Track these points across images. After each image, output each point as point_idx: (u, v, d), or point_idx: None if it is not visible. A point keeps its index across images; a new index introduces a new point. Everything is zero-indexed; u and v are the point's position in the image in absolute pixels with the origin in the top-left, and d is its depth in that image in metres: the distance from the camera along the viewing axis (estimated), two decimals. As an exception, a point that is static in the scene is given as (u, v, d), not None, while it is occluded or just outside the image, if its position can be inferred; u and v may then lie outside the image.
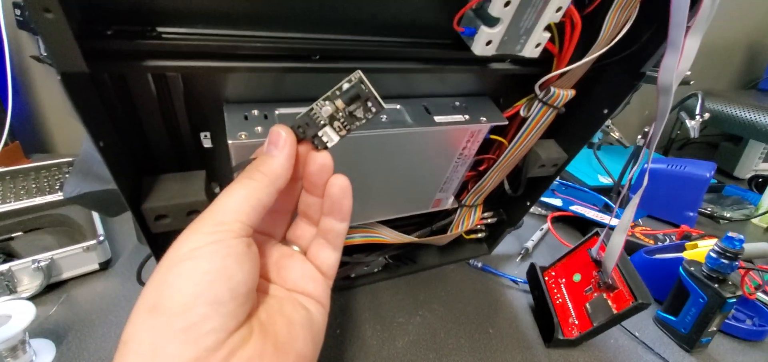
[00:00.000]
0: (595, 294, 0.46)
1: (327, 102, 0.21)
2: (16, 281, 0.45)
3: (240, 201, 0.18)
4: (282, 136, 0.20)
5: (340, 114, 0.21)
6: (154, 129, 0.26)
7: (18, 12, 0.64)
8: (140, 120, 0.26)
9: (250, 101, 0.29)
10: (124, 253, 0.53)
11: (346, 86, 0.21)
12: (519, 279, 0.56)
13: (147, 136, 0.27)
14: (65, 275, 0.48)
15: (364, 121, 0.22)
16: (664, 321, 0.52)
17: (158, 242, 0.32)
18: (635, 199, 0.37)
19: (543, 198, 0.72)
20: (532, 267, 0.54)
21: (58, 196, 0.56)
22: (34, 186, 0.59)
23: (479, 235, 0.59)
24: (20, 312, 0.37)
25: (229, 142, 0.27)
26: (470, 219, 0.52)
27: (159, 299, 0.16)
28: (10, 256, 0.48)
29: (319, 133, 0.21)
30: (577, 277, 0.49)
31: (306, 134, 0.21)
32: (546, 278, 0.52)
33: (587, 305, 0.46)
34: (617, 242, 0.41)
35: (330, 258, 0.23)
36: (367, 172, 0.37)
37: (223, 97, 0.29)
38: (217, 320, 0.16)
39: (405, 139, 0.34)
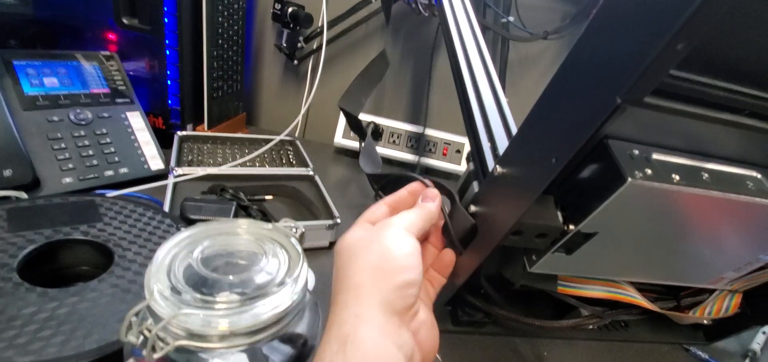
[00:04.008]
0: None
1: None
2: (274, 240, 0.50)
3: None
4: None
5: None
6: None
7: (278, 6, 0.73)
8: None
9: (629, 140, 0.29)
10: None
11: None
12: (755, 387, 0.49)
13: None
14: (306, 245, 0.52)
15: None
16: None
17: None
18: None
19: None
20: None
21: (289, 170, 0.62)
22: (266, 157, 0.66)
23: (703, 320, 0.53)
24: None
25: (629, 180, 0.26)
26: (723, 305, 0.47)
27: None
28: (264, 215, 0.54)
29: None
30: None
31: None
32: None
33: None
34: None
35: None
36: (667, 231, 0.35)
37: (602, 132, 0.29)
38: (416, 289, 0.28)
39: (751, 209, 0.31)
